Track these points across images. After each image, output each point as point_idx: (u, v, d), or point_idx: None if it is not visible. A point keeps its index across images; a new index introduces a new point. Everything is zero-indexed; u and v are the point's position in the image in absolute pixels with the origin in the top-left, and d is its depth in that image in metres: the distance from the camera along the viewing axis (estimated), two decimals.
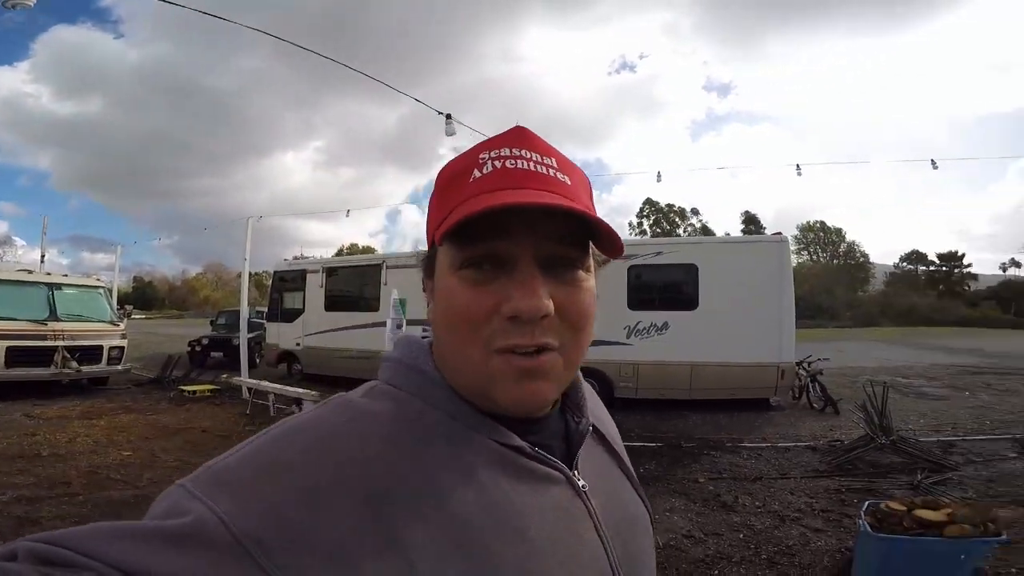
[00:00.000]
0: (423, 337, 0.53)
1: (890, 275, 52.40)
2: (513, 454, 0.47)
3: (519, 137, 0.48)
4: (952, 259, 50.04)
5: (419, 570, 0.38)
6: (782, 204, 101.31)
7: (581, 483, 0.50)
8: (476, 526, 0.42)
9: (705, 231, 54.64)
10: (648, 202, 60.69)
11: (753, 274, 7.84)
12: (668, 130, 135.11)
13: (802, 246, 54.56)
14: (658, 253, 8.21)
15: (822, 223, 56.96)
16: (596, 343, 7.60)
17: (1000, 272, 50.12)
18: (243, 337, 9.82)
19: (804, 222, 58.01)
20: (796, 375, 8.01)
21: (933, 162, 8.86)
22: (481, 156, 0.47)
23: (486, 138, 0.49)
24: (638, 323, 7.91)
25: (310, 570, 0.36)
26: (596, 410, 0.60)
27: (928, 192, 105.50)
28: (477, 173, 0.46)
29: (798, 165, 9.07)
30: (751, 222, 54.88)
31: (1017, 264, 49.50)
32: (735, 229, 54.50)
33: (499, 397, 0.45)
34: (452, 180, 0.48)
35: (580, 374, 0.55)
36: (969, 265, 50.22)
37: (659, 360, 7.75)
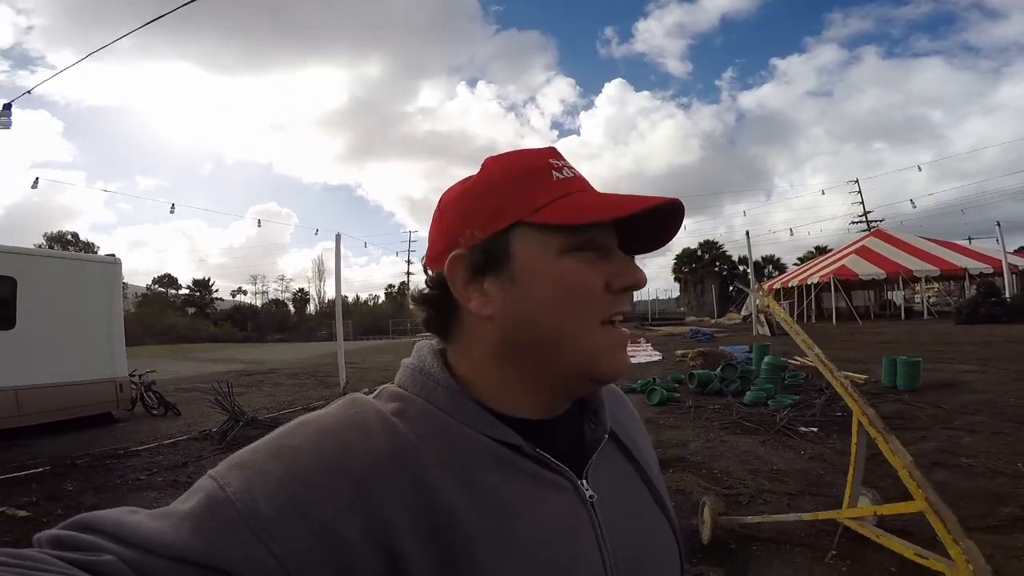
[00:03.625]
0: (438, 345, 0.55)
1: (142, 296, 53.88)
2: (511, 452, 0.48)
3: (560, 155, 0.53)
4: (203, 285, 57.23)
5: (399, 551, 0.41)
6: (26, 207, 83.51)
7: (589, 493, 0.51)
8: (459, 519, 0.43)
9: None
10: None
11: (85, 292, 7.87)
12: None
13: None
14: None
15: (75, 235, 52.23)
16: None
17: (231, 297, 60.96)
18: None
19: (53, 231, 51.27)
20: (131, 387, 8.39)
21: (173, 206, 11.04)
22: (551, 160, 0.52)
23: (530, 148, 0.54)
24: None
25: (302, 543, 0.39)
26: (623, 420, 0.62)
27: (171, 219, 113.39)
28: (557, 175, 0.51)
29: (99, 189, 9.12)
30: None
31: (244, 292, 61.84)
32: None
33: (605, 366, 0.50)
34: (530, 174, 0.51)
35: None
36: (217, 290, 58.86)
37: None
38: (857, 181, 34.26)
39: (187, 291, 56.80)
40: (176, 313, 49.19)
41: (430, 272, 0.54)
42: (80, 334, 7.60)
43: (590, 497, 0.51)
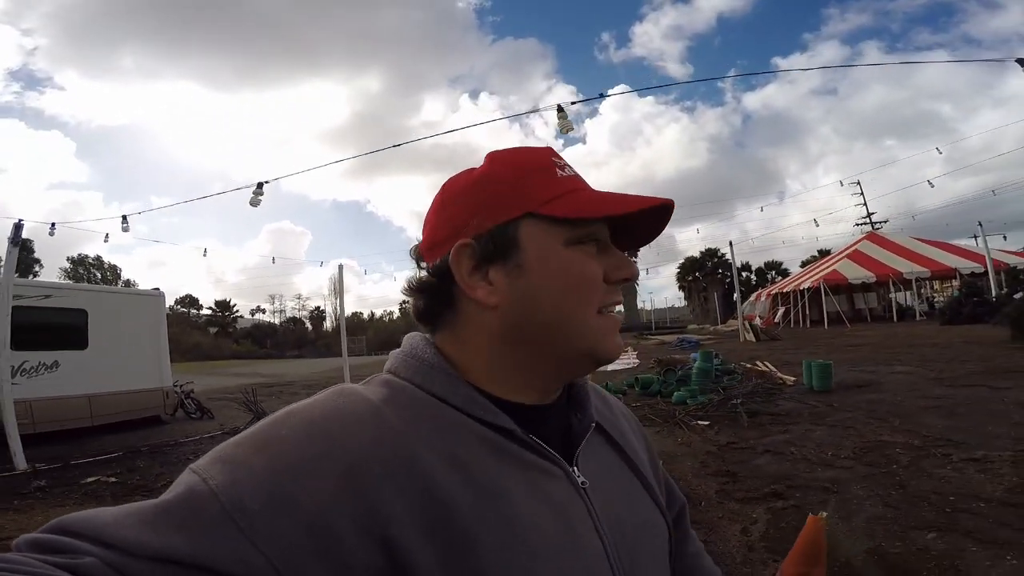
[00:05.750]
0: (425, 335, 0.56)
1: (167, 316, 55.79)
2: (502, 438, 0.48)
3: (558, 155, 0.56)
4: (224, 306, 59.37)
5: (397, 543, 0.40)
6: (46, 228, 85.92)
7: (581, 480, 0.51)
8: (456, 506, 0.43)
9: None
10: None
11: (138, 319, 9.87)
12: None
13: (69, 277, 50.72)
14: (47, 296, 8.62)
15: (99, 258, 54.78)
16: None
17: (250, 316, 62.44)
18: None
19: (76, 255, 53.99)
20: (174, 395, 10.19)
21: (205, 250, 12.78)
22: (553, 159, 0.55)
23: (531, 146, 0.57)
24: (24, 363, 8.04)
25: (290, 538, 0.38)
26: (606, 412, 0.63)
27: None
28: (560, 172, 0.54)
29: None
30: None
31: (262, 310, 63.80)
32: None
33: (602, 348, 0.52)
34: (536, 170, 0.53)
35: (587, 376, 0.60)
36: (237, 310, 60.75)
37: (54, 395, 8.28)
38: (859, 183, 34.14)
39: (209, 311, 59.08)
40: (199, 332, 51.40)
41: (424, 262, 0.55)
42: (136, 352, 9.50)
43: (582, 483, 0.51)
